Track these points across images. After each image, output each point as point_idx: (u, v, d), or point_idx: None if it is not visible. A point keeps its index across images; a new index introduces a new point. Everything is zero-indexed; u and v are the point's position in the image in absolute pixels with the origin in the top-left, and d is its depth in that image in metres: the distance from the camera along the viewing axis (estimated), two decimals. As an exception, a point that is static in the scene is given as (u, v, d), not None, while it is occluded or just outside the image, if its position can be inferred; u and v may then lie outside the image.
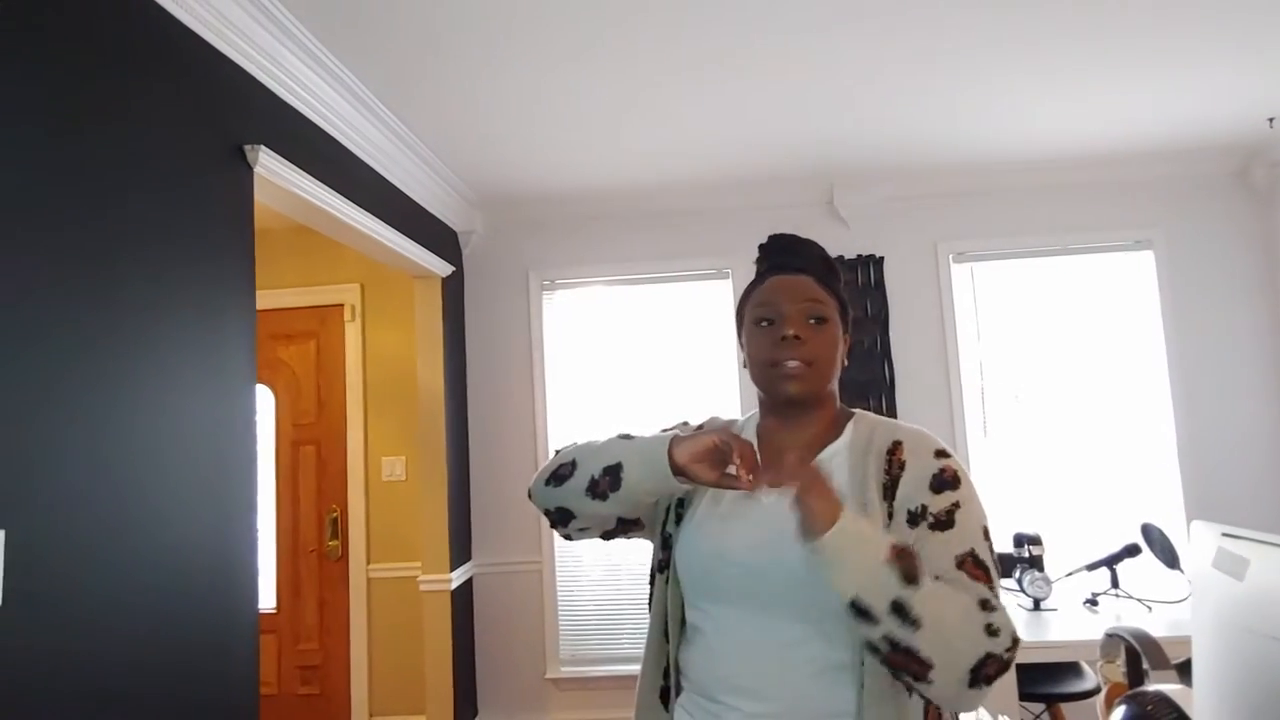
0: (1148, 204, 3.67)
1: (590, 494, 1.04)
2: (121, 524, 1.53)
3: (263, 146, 2.05)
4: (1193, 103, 2.99)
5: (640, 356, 3.80)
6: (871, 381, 3.65)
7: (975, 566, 0.93)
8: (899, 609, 0.85)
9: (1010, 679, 2.10)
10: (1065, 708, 2.71)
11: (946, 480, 0.99)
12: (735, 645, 1.01)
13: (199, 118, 1.87)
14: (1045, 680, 2.62)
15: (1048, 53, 2.52)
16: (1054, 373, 3.66)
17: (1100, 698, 1.15)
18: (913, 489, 0.98)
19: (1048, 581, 2.45)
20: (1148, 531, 2.49)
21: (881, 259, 3.72)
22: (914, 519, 0.97)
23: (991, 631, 0.87)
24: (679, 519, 1.12)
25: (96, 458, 1.48)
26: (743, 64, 2.50)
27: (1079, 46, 2.48)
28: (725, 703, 1.00)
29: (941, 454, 1.02)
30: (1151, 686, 0.96)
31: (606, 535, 1.13)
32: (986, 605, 0.89)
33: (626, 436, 1.07)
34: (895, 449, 1.02)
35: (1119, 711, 0.91)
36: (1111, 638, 1.15)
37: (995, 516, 3.56)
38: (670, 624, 1.09)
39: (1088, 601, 2.46)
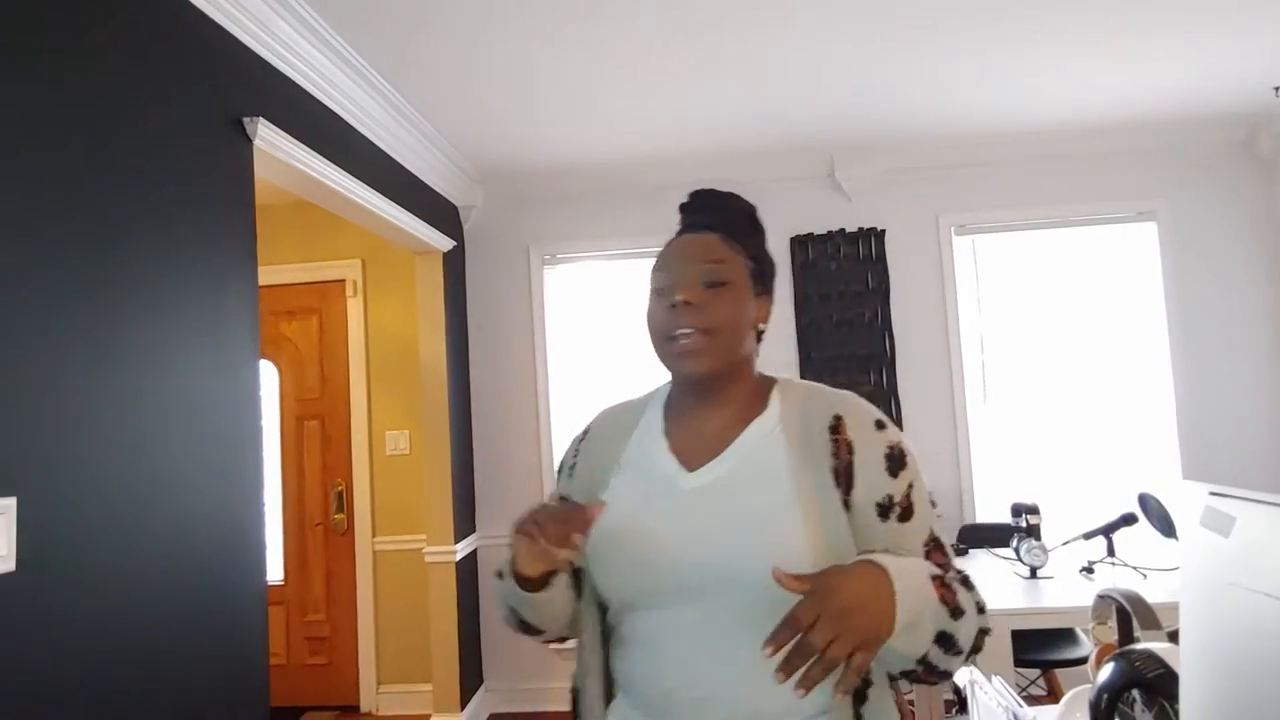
0: (1151, 175, 3.65)
1: (528, 633, 1.01)
2: (130, 496, 1.56)
3: (261, 119, 2.05)
4: (1197, 71, 2.97)
5: (639, 330, 3.81)
6: (872, 355, 3.66)
7: (938, 551, 0.92)
8: (946, 640, 0.82)
9: (1006, 645, 2.14)
10: (1060, 673, 2.75)
11: (897, 459, 0.92)
12: (676, 654, 0.89)
13: (197, 90, 1.87)
14: (1041, 646, 2.67)
15: (1051, 22, 2.49)
16: (1055, 343, 3.66)
17: (1091, 657, 1.17)
18: (871, 477, 0.90)
19: (1044, 550, 2.48)
20: (1144, 501, 2.52)
21: (883, 231, 3.71)
22: (884, 511, 0.90)
23: (981, 610, 0.88)
24: None
25: (103, 431, 1.50)
26: (742, 35, 2.48)
27: (1082, 15, 2.46)
28: (676, 718, 0.89)
29: (881, 425, 0.95)
30: (1140, 645, 0.98)
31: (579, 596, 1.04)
32: (968, 584, 0.89)
33: (500, 575, 0.99)
34: (839, 426, 0.93)
35: (1107, 668, 0.93)
36: (1103, 599, 1.17)
37: (995, 486, 3.59)
38: (597, 642, 0.99)
39: (1084, 570, 2.50)
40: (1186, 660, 0.83)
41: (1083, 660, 2.60)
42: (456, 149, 3.39)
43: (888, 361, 3.66)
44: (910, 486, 0.92)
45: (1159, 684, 0.88)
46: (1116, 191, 3.66)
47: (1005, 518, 2.77)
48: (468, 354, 3.85)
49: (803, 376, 3.73)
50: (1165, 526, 2.45)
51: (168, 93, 1.76)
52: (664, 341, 0.96)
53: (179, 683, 1.67)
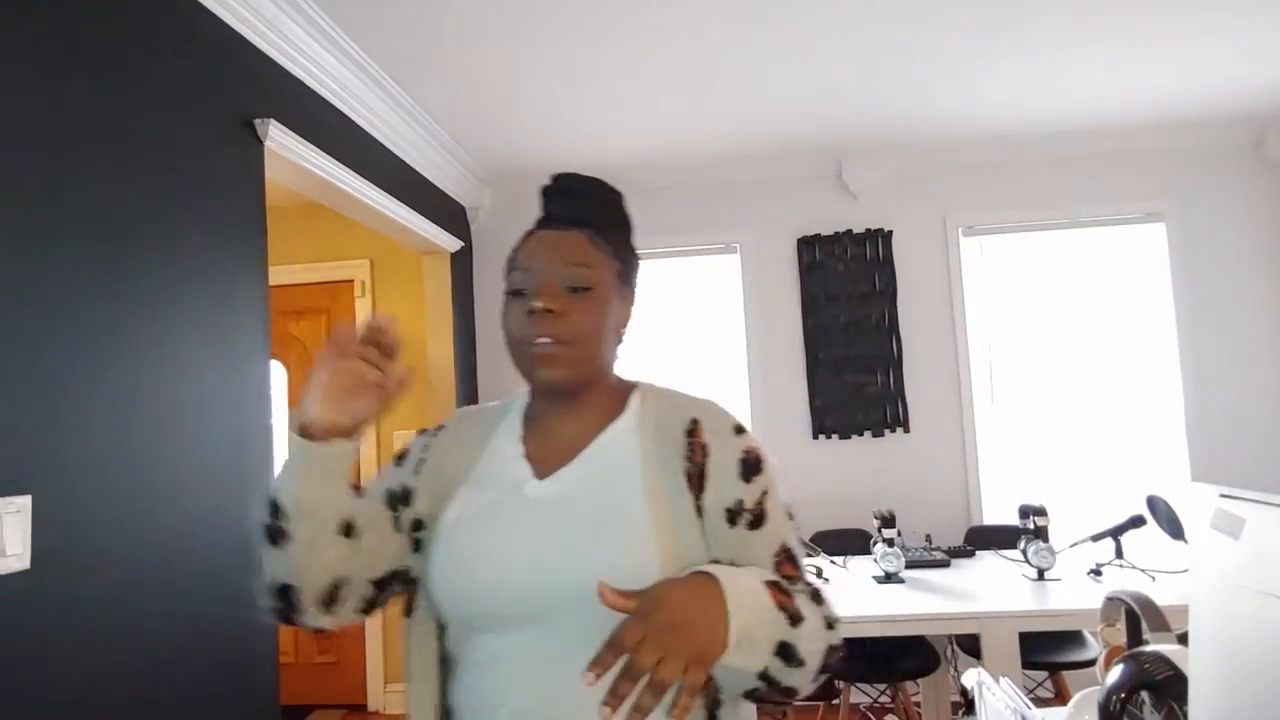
0: (1160, 176, 3.64)
1: (273, 541, 0.81)
2: (142, 495, 1.57)
3: (273, 120, 2.06)
4: (1207, 72, 2.96)
5: (647, 331, 3.82)
6: (879, 356, 3.66)
7: (788, 563, 0.88)
8: (786, 651, 0.77)
9: (1014, 647, 2.13)
10: (1068, 675, 2.75)
11: (752, 464, 0.88)
12: (516, 680, 0.82)
13: (208, 92, 1.88)
14: (1048, 649, 2.66)
15: (1059, 22, 2.49)
16: (1063, 345, 3.65)
17: (1100, 659, 1.17)
18: (723, 480, 0.87)
19: (1052, 552, 2.48)
20: (1153, 503, 2.51)
21: (890, 233, 3.70)
22: (733, 517, 0.86)
23: (830, 625, 0.84)
24: (418, 545, 0.91)
25: (116, 431, 1.51)
26: (749, 35, 2.48)
27: (1090, 15, 2.45)
28: None
29: (739, 430, 0.91)
30: (1150, 647, 0.98)
31: (369, 607, 0.90)
32: (817, 598, 0.85)
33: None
34: (694, 429, 0.89)
35: (1116, 670, 0.93)
36: (1112, 601, 1.17)
37: (1002, 488, 3.58)
38: (432, 665, 0.89)
39: (1092, 572, 2.49)
40: (1196, 663, 0.83)
41: (1090, 663, 2.59)
42: (465, 150, 3.40)
43: (895, 363, 3.65)
44: (764, 494, 0.88)
45: (1168, 686, 0.88)
46: (1125, 193, 3.65)
47: (1013, 520, 2.76)
48: (475, 354, 3.86)
49: (811, 378, 3.74)
50: (1174, 529, 2.44)
51: (178, 93, 1.78)
52: (520, 348, 0.88)
53: (189, 680, 1.68)
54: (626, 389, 0.96)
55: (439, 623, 0.89)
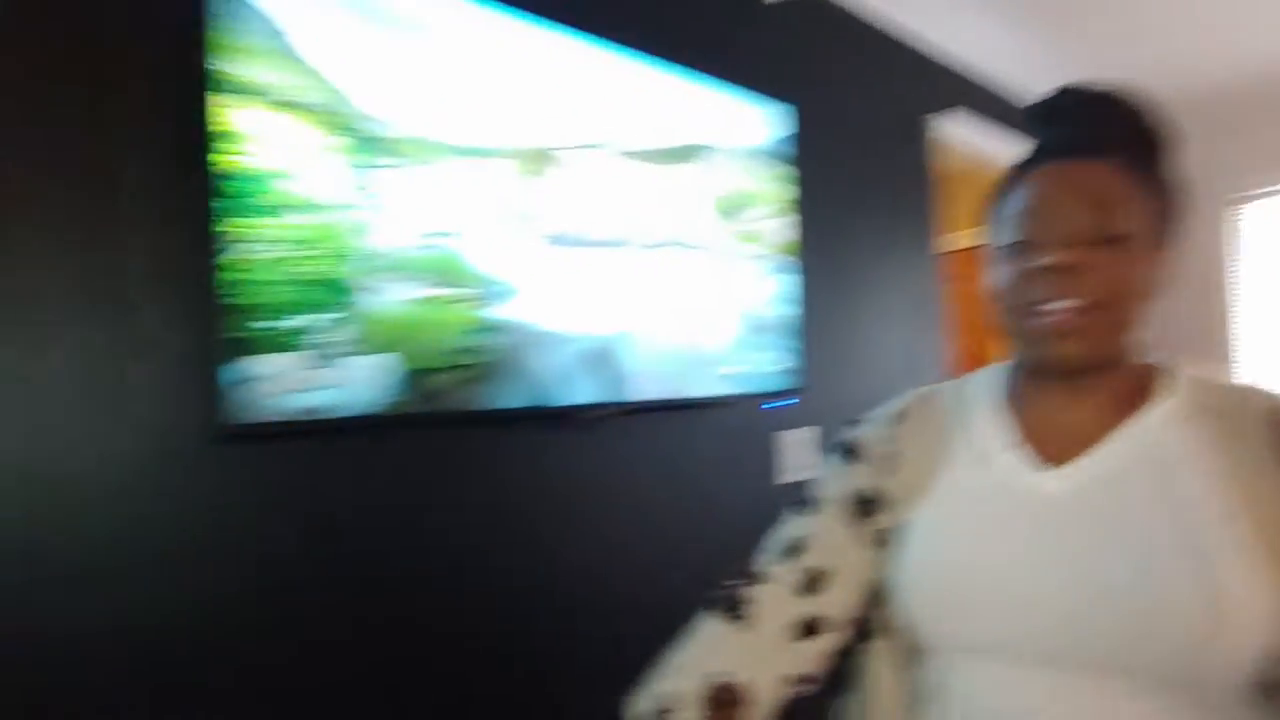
0: None
1: None
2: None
3: (940, 113, 2.39)
4: None
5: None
6: None
7: None
8: None
9: None
10: None
11: None
12: None
13: (888, 94, 2.26)
14: None
15: None
16: None
17: None
18: None
19: None
20: None
21: None
22: None
23: None
24: (879, 550, 0.76)
25: (858, 380, 2.04)
26: None
27: None
28: None
29: None
30: None
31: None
32: None
33: None
34: None
35: None
36: None
37: None
38: (896, 703, 0.74)
39: None
40: None
41: None
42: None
43: None
44: None
45: None
46: None
47: None
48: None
49: None
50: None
51: (867, 99, 2.19)
52: (1023, 315, 0.68)
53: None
54: (1147, 371, 0.73)
55: (906, 646, 0.74)
